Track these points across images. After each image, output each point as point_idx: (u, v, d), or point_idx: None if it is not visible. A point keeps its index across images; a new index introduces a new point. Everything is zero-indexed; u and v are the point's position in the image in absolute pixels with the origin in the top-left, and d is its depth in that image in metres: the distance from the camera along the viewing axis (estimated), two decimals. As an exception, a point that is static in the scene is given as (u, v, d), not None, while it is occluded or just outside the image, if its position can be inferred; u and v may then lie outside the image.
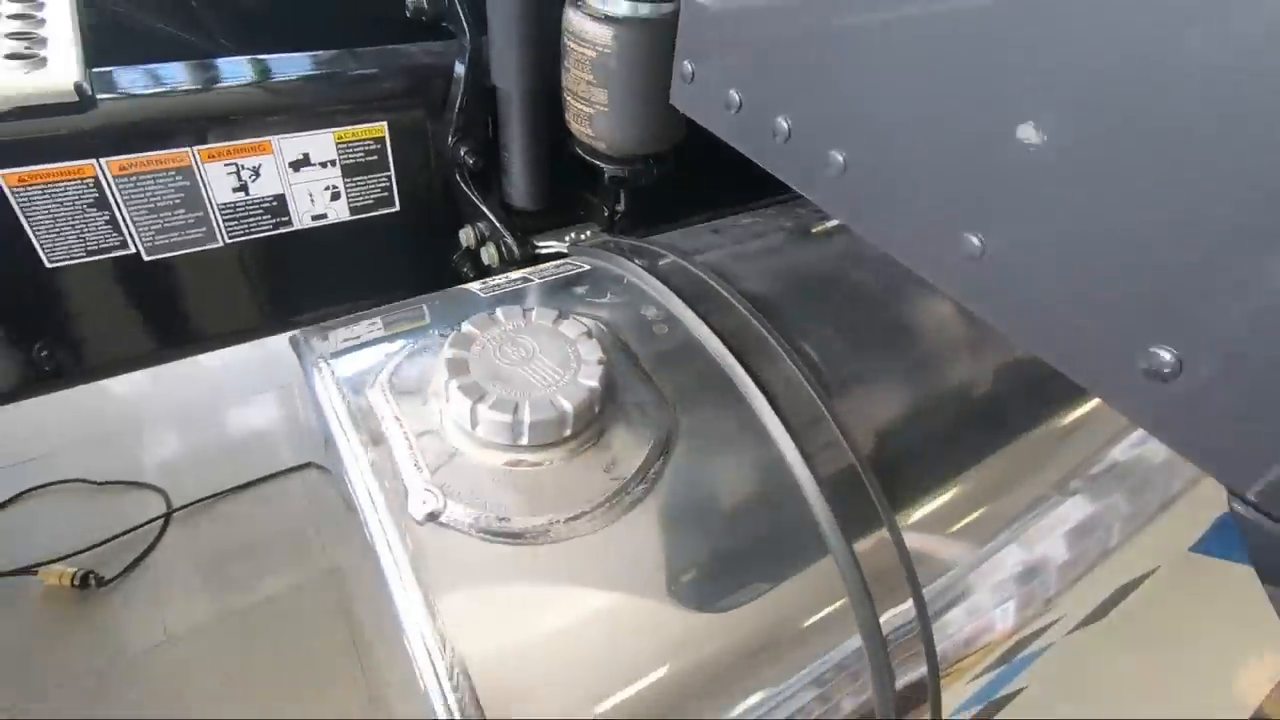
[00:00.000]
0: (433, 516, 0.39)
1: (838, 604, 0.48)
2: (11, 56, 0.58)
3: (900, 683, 0.55)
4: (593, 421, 0.44)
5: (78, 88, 0.57)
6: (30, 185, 0.58)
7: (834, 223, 0.73)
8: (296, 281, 0.76)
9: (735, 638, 0.45)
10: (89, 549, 1.44)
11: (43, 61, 0.59)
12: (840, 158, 0.41)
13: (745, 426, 0.50)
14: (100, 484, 1.57)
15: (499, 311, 0.47)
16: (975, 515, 0.59)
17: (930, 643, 0.57)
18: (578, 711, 0.38)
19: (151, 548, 1.48)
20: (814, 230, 0.71)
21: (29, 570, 1.39)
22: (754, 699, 0.45)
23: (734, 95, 0.45)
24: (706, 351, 0.52)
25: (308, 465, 1.61)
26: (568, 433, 0.42)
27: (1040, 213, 0.31)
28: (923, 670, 0.60)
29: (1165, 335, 0.26)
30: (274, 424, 1.75)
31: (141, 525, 1.50)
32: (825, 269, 0.66)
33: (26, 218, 0.59)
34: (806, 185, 0.44)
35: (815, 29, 0.40)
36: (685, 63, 0.48)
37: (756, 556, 0.48)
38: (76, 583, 1.38)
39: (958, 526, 0.58)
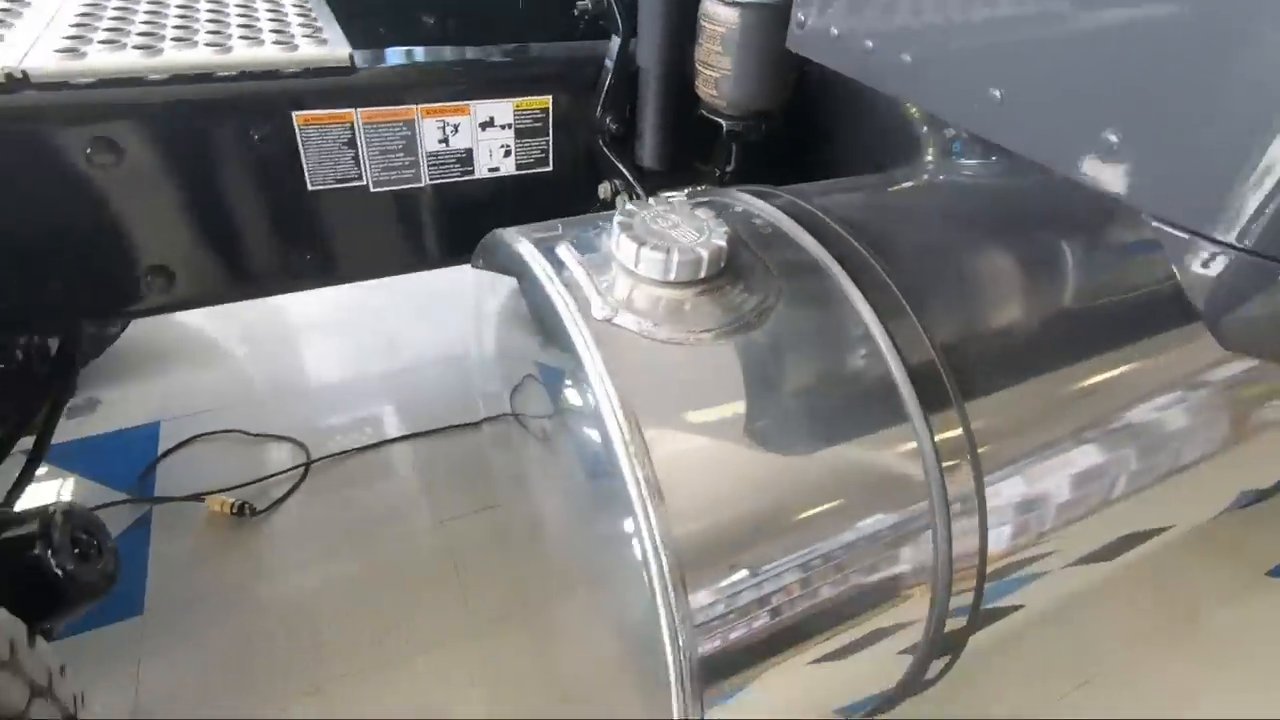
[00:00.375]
0: (607, 320, 0.56)
1: (912, 466, 0.61)
2: (304, 35, 0.82)
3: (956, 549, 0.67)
4: (720, 272, 0.60)
5: (350, 57, 0.80)
6: (309, 125, 0.80)
7: (911, 182, 0.88)
8: (469, 222, 0.96)
9: (819, 469, 0.59)
10: (244, 485, 1.69)
11: (324, 40, 0.83)
12: (907, 58, 0.57)
13: (836, 303, 0.65)
14: (254, 435, 1.84)
15: (651, 200, 0.64)
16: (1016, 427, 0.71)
17: (984, 522, 0.69)
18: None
19: (294, 490, 1.71)
20: (900, 183, 0.86)
21: (198, 497, 1.64)
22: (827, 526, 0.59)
23: (833, 30, 0.63)
24: (801, 247, 0.68)
25: (429, 432, 1.83)
26: (702, 274, 0.58)
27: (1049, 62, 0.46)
28: (975, 544, 0.72)
29: (1112, 121, 0.40)
30: (410, 393, 1.99)
31: (286, 470, 1.74)
32: (909, 204, 0.81)
33: (304, 149, 0.81)
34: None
35: None
36: (799, 13, 0.65)
37: (844, 407, 0.62)
38: (234, 511, 1.62)
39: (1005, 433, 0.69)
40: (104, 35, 0.76)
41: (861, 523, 0.61)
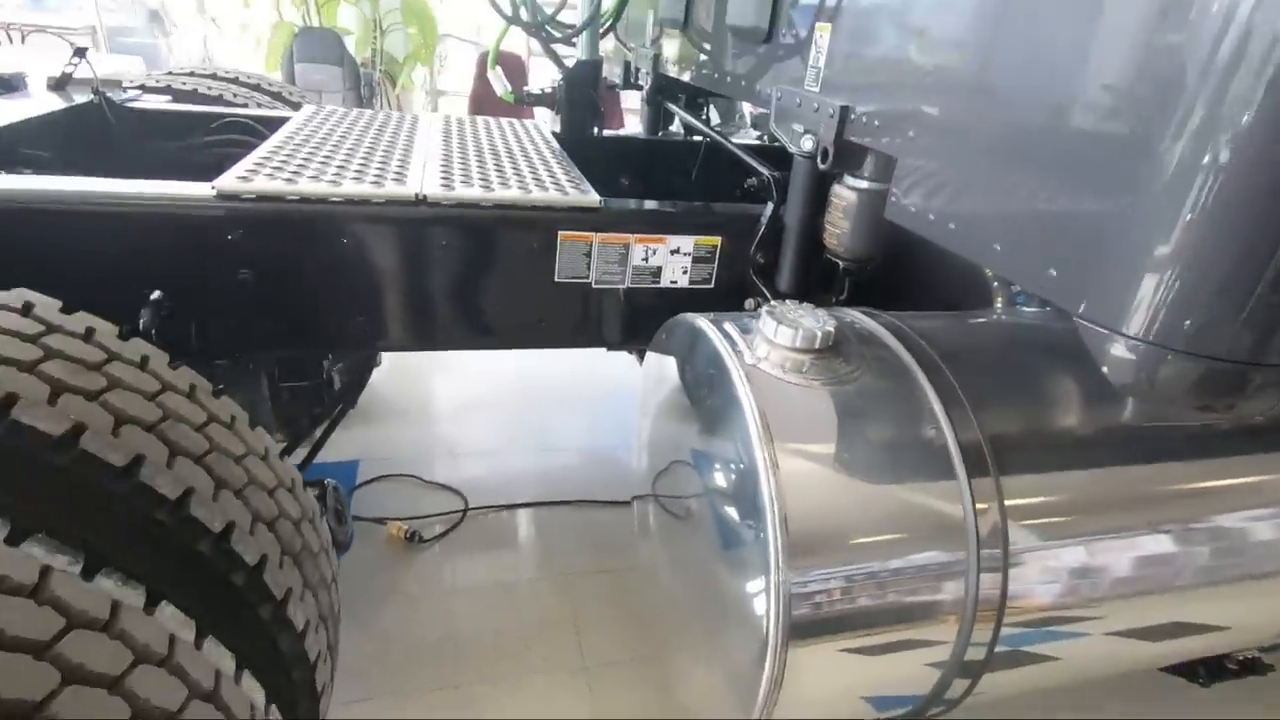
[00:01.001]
0: (754, 365, 0.90)
1: (956, 518, 0.88)
2: (571, 187, 1.29)
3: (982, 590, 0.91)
4: (828, 347, 0.93)
5: (600, 202, 1.25)
6: (566, 240, 1.25)
7: (982, 318, 1.18)
8: (649, 317, 1.36)
9: (888, 502, 0.88)
10: (415, 518, 2.08)
11: (585, 191, 1.29)
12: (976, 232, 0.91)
13: (907, 380, 0.95)
14: (427, 481, 2.26)
15: (787, 302, 1.00)
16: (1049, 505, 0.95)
17: (1006, 570, 0.92)
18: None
19: (453, 528, 2.08)
20: (972, 318, 1.17)
21: (381, 521, 2.05)
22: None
23: (912, 208, 0.98)
24: (886, 345, 1.00)
25: (569, 502, 2.18)
26: (815, 346, 0.92)
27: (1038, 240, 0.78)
28: (997, 593, 0.95)
29: (1051, 265, 0.72)
30: (557, 469, 2.37)
31: (449, 513, 2.13)
32: (977, 331, 1.11)
33: (559, 255, 1.25)
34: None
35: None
36: (892, 193, 1.02)
37: (910, 460, 0.90)
38: (406, 536, 2.00)
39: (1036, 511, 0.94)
40: (460, 177, 1.26)
41: (914, 555, 0.87)
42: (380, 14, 4.99)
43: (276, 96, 2.23)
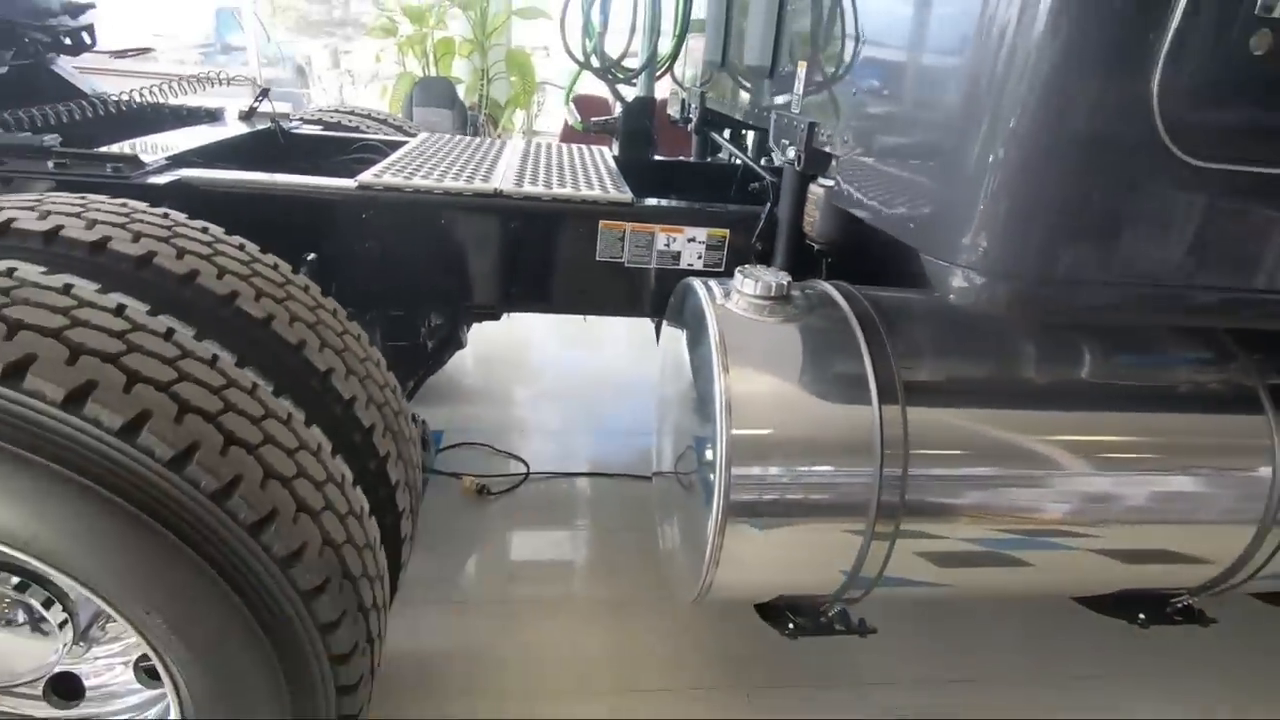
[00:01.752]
0: (722, 305, 1.23)
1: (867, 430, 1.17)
2: (612, 185, 1.67)
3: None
4: (782, 297, 1.24)
5: (632, 199, 1.62)
6: (606, 228, 1.62)
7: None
8: (669, 293, 1.70)
9: (808, 411, 1.18)
10: (486, 476, 2.47)
11: (622, 190, 1.66)
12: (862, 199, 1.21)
13: (843, 324, 1.24)
14: (497, 449, 2.66)
15: (759, 266, 1.32)
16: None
17: (906, 476, 1.18)
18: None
19: (515, 487, 2.46)
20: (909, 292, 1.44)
21: (457, 475, 2.45)
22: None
23: (854, 195, 1.29)
24: (835, 302, 1.30)
25: (612, 475, 2.52)
26: (772, 294, 1.23)
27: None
28: (898, 494, 1.21)
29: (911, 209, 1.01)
30: (606, 445, 2.72)
31: (513, 474, 2.51)
32: (916, 304, 1.39)
33: (599, 239, 1.62)
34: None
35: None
36: (836, 182, 1.33)
37: (834, 381, 1.20)
38: (477, 490, 2.39)
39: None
40: (529, 180, 1.67)
41: (833, 458, 1.16)
42: (488, 65, 5.68)
43: (398, 129, 2.76)
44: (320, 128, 2.32)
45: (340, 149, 2.14)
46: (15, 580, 1.00)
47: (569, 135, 5.08)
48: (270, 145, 2.04)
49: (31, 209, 1.09)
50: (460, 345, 2.50)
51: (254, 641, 0.92)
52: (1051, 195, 0.89)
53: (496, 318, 2.00)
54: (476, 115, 5.37)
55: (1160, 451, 1.29)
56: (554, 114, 7.10)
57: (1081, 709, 1.71)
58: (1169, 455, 1.28)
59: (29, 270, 0.91)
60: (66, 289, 0.91)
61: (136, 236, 1.11)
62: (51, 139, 1.45)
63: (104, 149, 1.49)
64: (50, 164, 1.40)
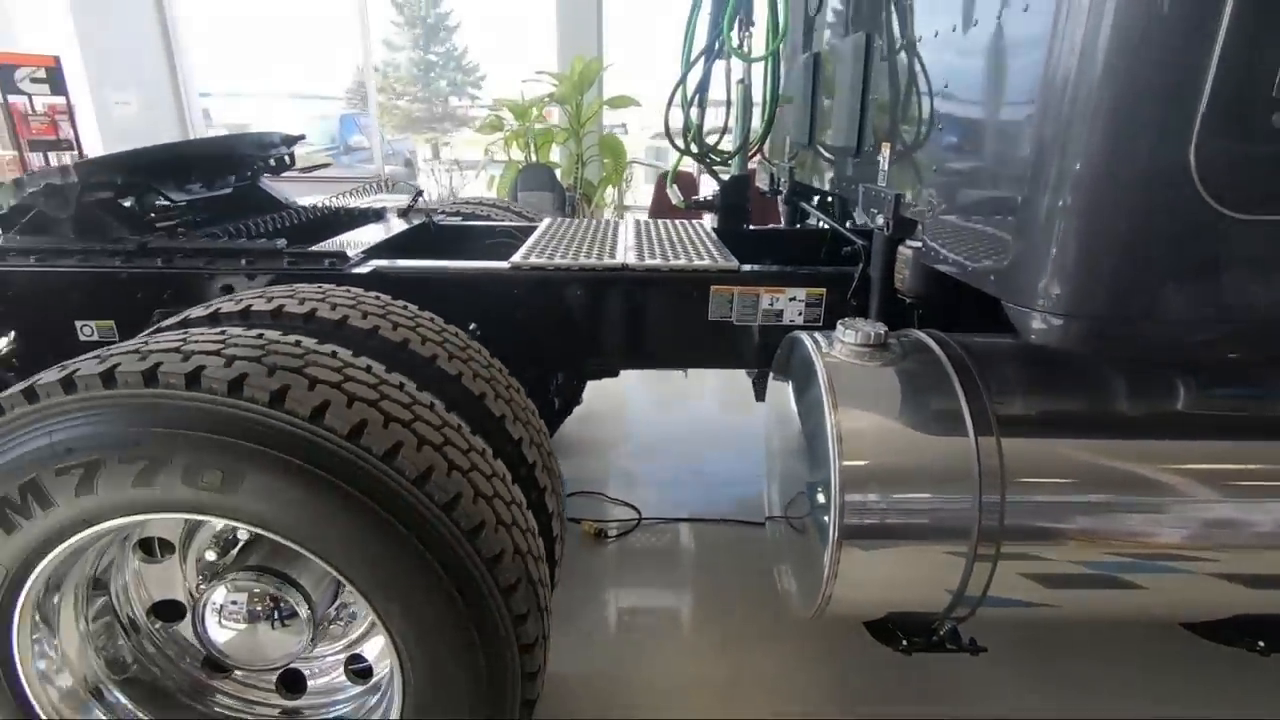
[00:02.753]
0: (829, 352, 1.43)
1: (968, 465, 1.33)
2: (719, 255, 1.92)
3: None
4: (880, 345, 1.43)
5: (738, 266, 1.86)
6: (716, 293, 1.86)
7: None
8: (775, 347, 1.91)
9: (913, 449, 1.35)
10: (603, 521, 2.70)
11: (729, 259, 1.91)
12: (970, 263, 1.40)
13: (938, 369, 1.42)
14: (612, 498, 2.89)
15: (859, 319, 1.52)
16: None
17: (1004, 503, 1.32)
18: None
19: (629, 531, 2.67)
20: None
21: (578, 521, 2.69)
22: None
23: (941, 252, 1.48)
24: (931, 349, 1.47)
25: (718, 520, 2.69)
26: (871, 342, 1.42)
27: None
28: (997, 518, 1.35)
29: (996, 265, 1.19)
30: (713, 492, 2.91)
31: (627, 520, 2.72)
32: (1003, 346, 1.54)
33: (711, 302, 1.86)
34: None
35: (965, 240, 1.42)
36: (925, 243, 1.53)
37: (936, 417, 1.37)
38: (596, 534, 2.62)
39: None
40: (648, 254, 1.95)
41: (935, 487, 1.32)
42: (583, 150, 6.22)
43: (518, 215, 3.17)
44: (460, 219, 2.73)
45: (480, 236, 2.51)
46: (278, 583, 1.29)
47: (659, 210, 5.48)
48: (426, 236, 2.44)
49: (291, 296, 1.45)
50: (579, 402, 2.78)
51: (465, 628, 1.16)
52: (1111, 244, 1.06)
53: (615, 374, 2.26)
54: (573, 195, 5.86)
55: (1248, 474, 1.37)
56: (641, 189, 7.61)
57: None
58: (1259, 478, 1.36)
59: (309, 342, 1.24)
60: (334, 354, 1.23)
61: (364, 315, 1.44)
62: (281, 242, 1.85)
63: (317, 248, 1.88)
64: (285, 262, 1.79)
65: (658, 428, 3.69)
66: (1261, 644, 1.50)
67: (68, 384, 1.07)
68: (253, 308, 1.40)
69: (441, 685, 1.18)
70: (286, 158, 2.42)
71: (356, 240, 2.08)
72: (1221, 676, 1.87)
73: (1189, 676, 1.90)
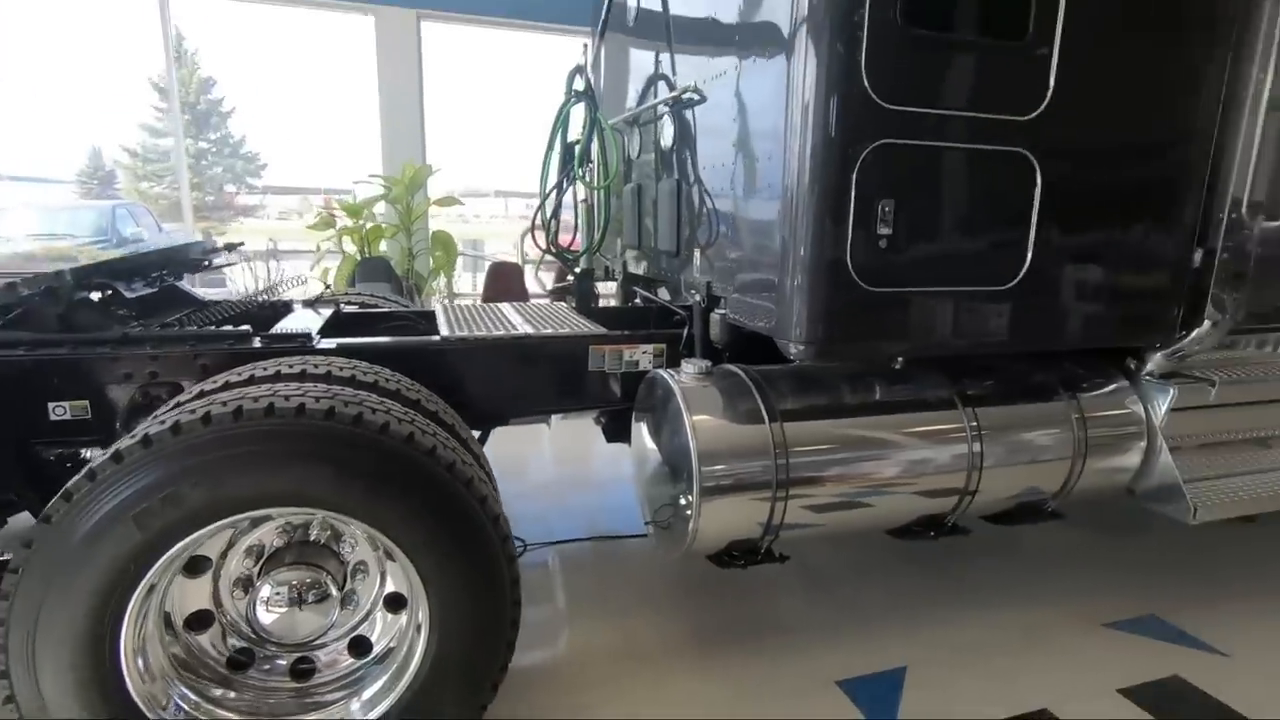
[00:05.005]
0: (679, 379, 2.27)
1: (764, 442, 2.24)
2: (586, 327, 2.72)
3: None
4: (708, 373, 2.31)
5: (606, 332, 2.68)
6: (593, 351, 2.64)
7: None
8: (635, 386, 2.72)
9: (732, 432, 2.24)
10: (496, 549, 3.26)
11: (593, 328, 2.72)
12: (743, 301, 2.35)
13: (746, 390, 2.32)
14: (498, 532, 3.45)
15: (694, 358, 2.39)
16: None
17: (788, 461, 2.25)
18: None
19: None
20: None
21: (475, 552, 3.22)
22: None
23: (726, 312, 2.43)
24: (739, 375, 2.37)
25: (594, 537, 3.39)
26: (704, 370, 2.29)
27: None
28: (785, 470, 2.29)
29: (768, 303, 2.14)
30: (592, 515, 3.58)
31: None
32: (787, 371, 2.50)
33: (590, 356, 2.64)
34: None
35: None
36: (724, 306, 2.47)
37: (744, 407, 2.26)
38: (492, 559, 3.18)
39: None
40: (537, 327, 2.70)
41: (750, 456, 2.20)
42: (412, 244, 6.79)
43: (397, 302, 3.72)
44: (357, 307, 3.25)
45: (381, 319, 3.07)
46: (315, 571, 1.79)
47: (493, 296, 6.19)
48: (342, 320, 2.94)
49: (306, 363, 1.98)
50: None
51: (466, 550, 1.77)
52: (823, 303, 2.04)
53: (506, 423, 2.92)
54: (410, 284, 6.38)
55: (914, 434, 2.43)
56: (462, 278, 8.26)
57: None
58: (920, 436, 2.42)
59: (350, 389, 1.81)
60: (369, 395, 1.81)
61: (364, 372, 2.02)
62: (245, 328, 2.32)
63: (282, 330, 2.36)
64: (258, 341, 2.26)
65: (528, 474, 4.30)
66: (932, 533, 2.55)
67: (207, 419, 1.56)
68: (282, 371, 1.92)
69: (470, 588, 1.77)
70: (210, 260, 2.81)
71: (298, 326, 2.56)
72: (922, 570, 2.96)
73: (912, 562, 2.96)
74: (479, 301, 6.54)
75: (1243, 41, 2.30)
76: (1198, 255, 2.47)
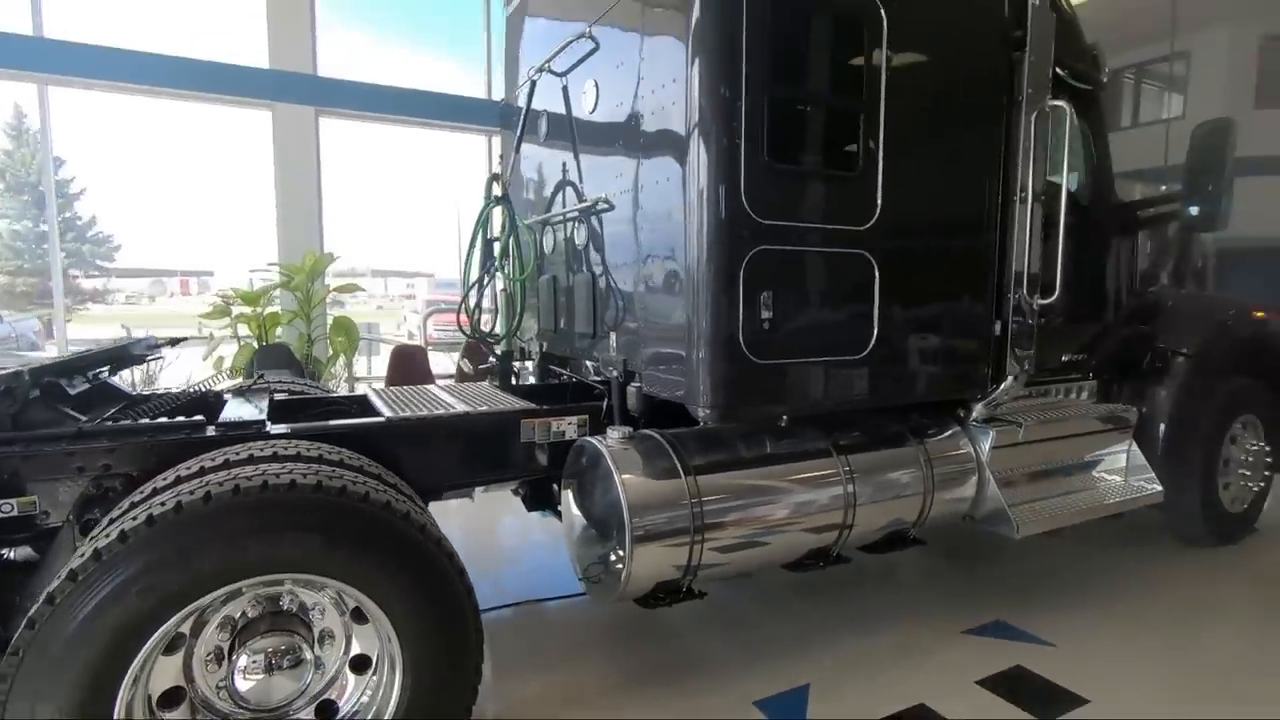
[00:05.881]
0: (607, 444, 2.64)
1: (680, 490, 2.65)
2: (509, 404, 3.06)
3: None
4: (630, 437, 2.70)
5: (535, 406, 3.02)
6: (524, 424, 2.97)
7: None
8: (564, 454, 3.06)
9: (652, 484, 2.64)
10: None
11: (521, 405, 3.06)
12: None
13: (663, 450, 2.73)
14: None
15: (617, 426, 2.78)
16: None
17: (702, 509, 2.68)
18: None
19: (452, 623, 3.42)
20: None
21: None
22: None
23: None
24: (656, 439, 2.78)
25: (532, 600, 3.60)
26: (627, 436, 2.68)
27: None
28: (701, 517, 2.71)
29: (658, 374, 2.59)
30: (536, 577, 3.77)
31: (448, 616, 3.46)
32: (700, 432, 2.94)
33: (521, 429, 2.97)
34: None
35: (662, 380, 2.83)
36: (641, 381, 2.90)
37: (663, 465, 2.67)
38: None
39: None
40: (470, 405, 3.00)
41: (669, 506, 2.59)
42: (311, 330, 6.81)
43: (318, 388, 3.87)
44: (286, 393, 3.40)
45: (312, 404, 3.24)
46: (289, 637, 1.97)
47: (399, 380, 6.31)
48: (277, 406, 3.09)
49: (272, 446, 2.19)
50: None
51: (438, 605, 2.01)
52: (720, 375, 2.52)
53: (441, 496, 3.14)
54: (311, 369, 6.38)
55: (800, 480, 2.92)
56: (359, 361, 8.26)
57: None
58: (805, 481, 2.91)
59: (314, 465, 2.05)
60: (345, 470, 2.06)
61: (328, 452, 2.25)
62: (200, 418, 2.47)
63: (232, 419, 2.52)
64: (212, 430, 2.42)
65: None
66: (821, 564, 3.02)
67: (216, 495, 1.75)
68: (254, 454, 2.12)
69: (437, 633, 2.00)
70: (157, 354, 2.91)
71: (243, 414, 2.71)
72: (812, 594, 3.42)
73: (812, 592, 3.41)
74: (383, 385, 6.62)
75: (1008, 152, 3.10)
76: (997, 325, 3.20)
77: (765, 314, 2.54)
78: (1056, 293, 3.16)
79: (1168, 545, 4.36)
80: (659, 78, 2.65)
